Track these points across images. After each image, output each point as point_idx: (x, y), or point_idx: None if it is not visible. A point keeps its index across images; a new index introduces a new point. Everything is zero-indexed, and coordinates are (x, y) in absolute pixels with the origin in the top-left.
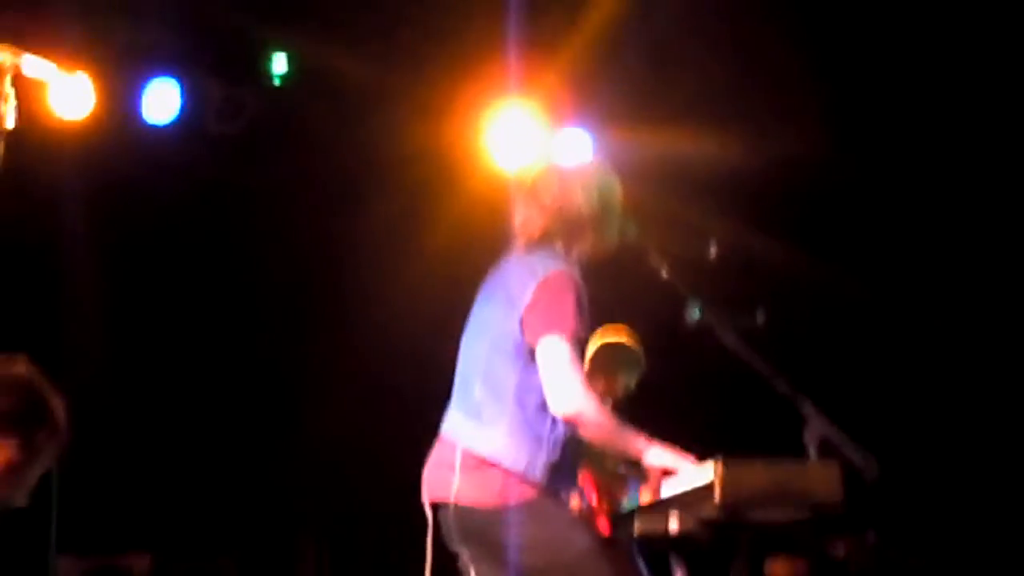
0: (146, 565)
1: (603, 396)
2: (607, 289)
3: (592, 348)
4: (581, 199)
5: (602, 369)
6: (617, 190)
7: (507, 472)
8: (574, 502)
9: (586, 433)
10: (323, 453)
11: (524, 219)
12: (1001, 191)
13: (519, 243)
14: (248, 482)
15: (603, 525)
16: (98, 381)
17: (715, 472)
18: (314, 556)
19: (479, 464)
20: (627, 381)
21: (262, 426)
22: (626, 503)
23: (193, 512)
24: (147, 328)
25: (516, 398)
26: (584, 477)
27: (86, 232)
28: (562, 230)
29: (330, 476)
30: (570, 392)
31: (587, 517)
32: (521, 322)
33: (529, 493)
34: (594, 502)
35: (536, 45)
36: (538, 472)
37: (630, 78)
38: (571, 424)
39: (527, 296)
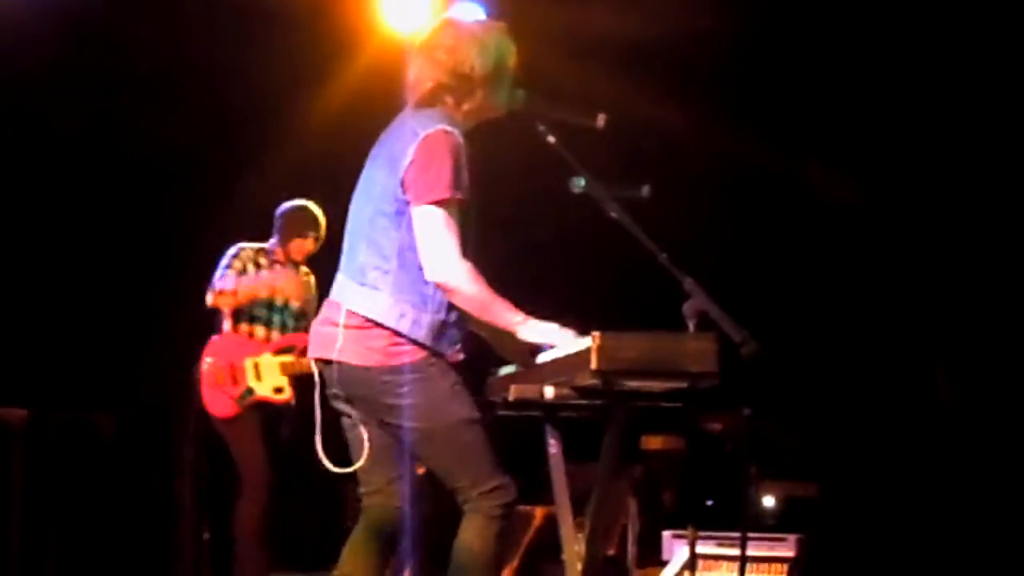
0: (22, 418)
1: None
2: (494, 154)
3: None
4: (475, 56)
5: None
6: (511, 53)
7: (391, 333)
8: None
9: (458, 301)
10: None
11: (416, 75)
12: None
13: (410, 100)
14: (128, 337)
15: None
16: None
17: (593, 340)
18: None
19: (363, 324)
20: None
21: (144, 283)
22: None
23: (73, 368)
24: (25, 177)
25: (399, 259)
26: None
27: None
28: (453, 86)
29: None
30: (442, 259)
31: None
32: (402, 183)
33: (413, 355)
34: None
35: None
36: (423, 332)
37: None
38: (443, 291)
39: (407, 157)
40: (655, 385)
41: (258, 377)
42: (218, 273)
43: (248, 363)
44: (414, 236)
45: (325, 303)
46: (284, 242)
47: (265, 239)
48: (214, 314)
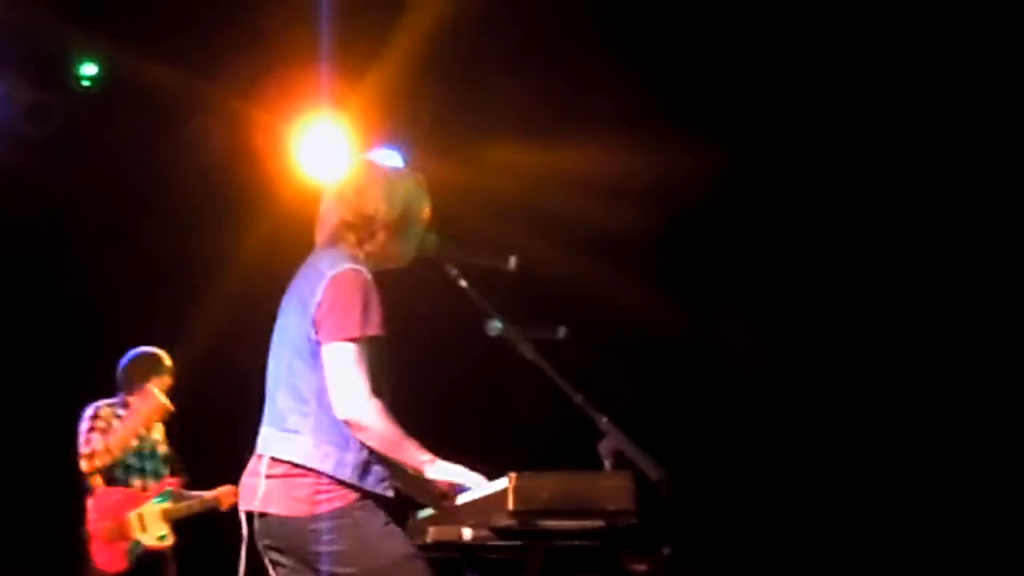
0: None
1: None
2: (409, 299)
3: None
4: (382, 199)
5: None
6: (423, 203)
7: (317, 477)
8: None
9: (366, 438)
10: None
11: (323, 212)
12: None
13: (317, 239)
14: (45, 488)
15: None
16: None
17: (509, 481)
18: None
19: (287, 473)
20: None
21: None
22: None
23: None
24: None
25: (318, 400)
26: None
27: None
28: (356, 225)
29: None
30: (351, 396)
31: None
32: (314, 323)
33: (339, 500)
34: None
35: (348, 61)
36: (348, 471)
37: (440, 97)
38: (354, 431)
39: (317, 296)
40: (573, 524)
41: (143, 528)
42: (82, 438)
43: (132, 516)
44: None
45: (252, 457)
46: (137, 390)
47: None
48: (83, 476)
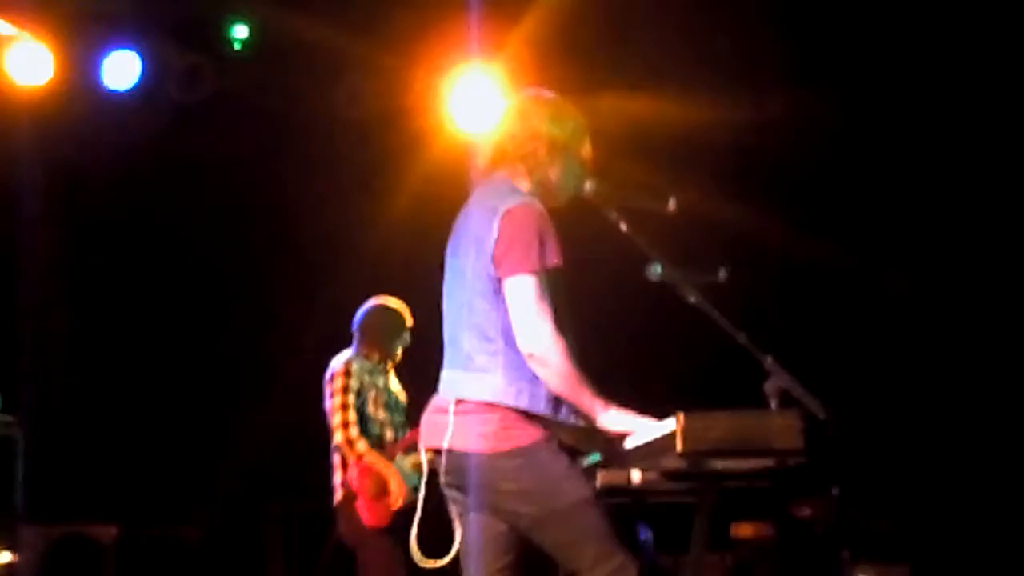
0: (112, 535)
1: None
2: (567, 243)
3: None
4: (549, 121)
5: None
6: (585, 135)
7: (507, 413)
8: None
9: (546, 376)
10: (291, 422)
11: (488, 148)
12: (966, 160)
13: (480, 177)
14: (217, 453)
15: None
16: (64, 354)
17: (677, 422)
18: (282, 529)
19: (474, 410)
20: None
21: (232, 398)
22: None
23: (160, 483)
24: (111, 299)
25: (505, 337)
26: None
27: (45, 200)
28: (523, 151)
29: (298, 445)
30: (537, 333)
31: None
32: (493, 260)
33: (526, 438)
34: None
35: (498, 9)
36: (542, 405)
37: (591, 45)
38: (535, 365)
39: (493, 233)
40: (742, 465)
41: (402, 482)
42: (335, 400)
43: (391, 471)
44: None
45: (434, 398)
46: (374, 347)
47: (346, 344)
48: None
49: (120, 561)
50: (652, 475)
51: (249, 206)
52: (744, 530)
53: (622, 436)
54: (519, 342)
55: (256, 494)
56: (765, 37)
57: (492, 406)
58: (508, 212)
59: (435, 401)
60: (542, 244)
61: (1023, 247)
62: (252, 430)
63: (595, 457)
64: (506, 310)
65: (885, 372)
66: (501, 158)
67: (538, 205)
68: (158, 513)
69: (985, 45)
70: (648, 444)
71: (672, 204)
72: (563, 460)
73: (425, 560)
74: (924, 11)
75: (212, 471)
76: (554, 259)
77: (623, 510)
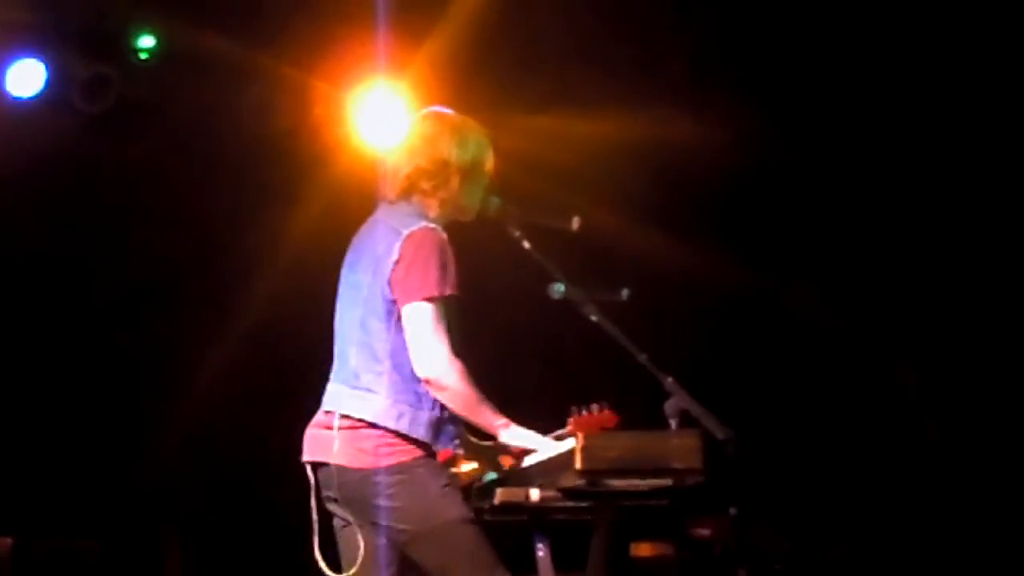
0: (7, 547)
1: None
2: (470, 261)
3: None
4: (454, 145)
5: None
6: (489, 152)
7: (386, 433)
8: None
9: (446, 398)
10: (192, 435)
11: (393, 167)
12: (870, 174)
13: (384, 195)
14: (116, 463)
15: None
16: None
17: (577, 440)
18: (179, 541)
19: (355, 425)
20: None
21: (133, 409)
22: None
23: (57, 493)
24: (10, 307)
25: (392, 360)
26: None
27: None
28: (429, 172)
29: (200, 458)
30: (433, 357)
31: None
32: (389, 283)
33: (404, 455)
34: None
35: (405, 25)
36: (421, 430)
37: (498, 62)
38: (432, 390)
39: (393, 255)
40: (641, 483)
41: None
42: None
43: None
44: (404, 335)
45: (318, 412)
46: None
47: (251, 353)
48: None
49: (16, 573)
50: (551, 493)
51: (154, 216)
52: (643, 550)
53: (524, 453)
54: (416, 367)
55: (155, 506)
56: (670, 50)
57: (373, 426)
58: (411, 236)
59: (319, 416)
60: (443, 270)
61: (923, 265)
62: (153, 441)
63: (492, 475)
64: (397, 332)
65: (786, 393)
66: (410, 189)
67: (440, 232)
68: (55, 524)
69: (888, 52)
70: (548, 461)
71: (575, 222)
72: (439, 479)
73: (331, 572)
74: (829, 23)
75: (111, 482)
76: (453, 288)
77: (521, 528)
